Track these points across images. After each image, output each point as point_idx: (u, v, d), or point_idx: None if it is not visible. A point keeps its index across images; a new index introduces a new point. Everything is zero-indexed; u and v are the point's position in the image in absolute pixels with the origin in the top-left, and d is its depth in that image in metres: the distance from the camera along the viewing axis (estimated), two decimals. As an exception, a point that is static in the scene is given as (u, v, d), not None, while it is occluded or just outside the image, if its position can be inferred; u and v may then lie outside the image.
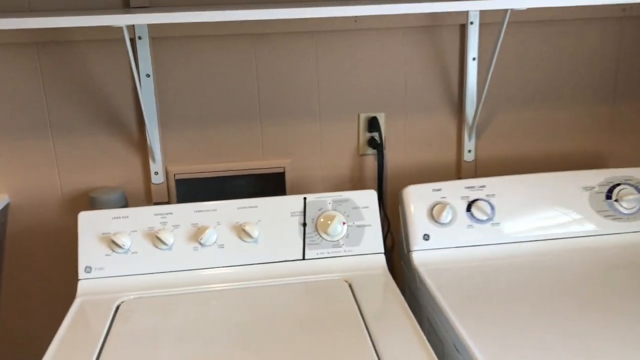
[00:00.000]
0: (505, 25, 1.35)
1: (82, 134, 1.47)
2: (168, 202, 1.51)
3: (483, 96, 1.50)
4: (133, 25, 1.38)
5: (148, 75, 1.43)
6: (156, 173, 1.50)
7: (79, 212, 1.31)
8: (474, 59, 1.52)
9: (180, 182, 1.52)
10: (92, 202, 1.44)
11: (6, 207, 1.48)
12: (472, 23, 1.49)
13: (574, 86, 1.61)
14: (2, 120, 1.43)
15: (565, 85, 1.60)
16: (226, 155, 1.53)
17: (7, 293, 1.54)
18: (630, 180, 1.47)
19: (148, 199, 1.53)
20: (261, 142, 1.54)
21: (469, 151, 1.60)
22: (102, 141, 1.48)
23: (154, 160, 1.49)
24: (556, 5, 1.25)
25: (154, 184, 1.51)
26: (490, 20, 1.50)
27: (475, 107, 1.56)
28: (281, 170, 1.55)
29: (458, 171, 1.62)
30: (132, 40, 1.41)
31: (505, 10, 1.33)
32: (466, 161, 1.61)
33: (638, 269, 1.31)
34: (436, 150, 1.61)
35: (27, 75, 1.41)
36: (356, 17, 1.45)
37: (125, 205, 1.49)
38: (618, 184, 1.46)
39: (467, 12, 1.45)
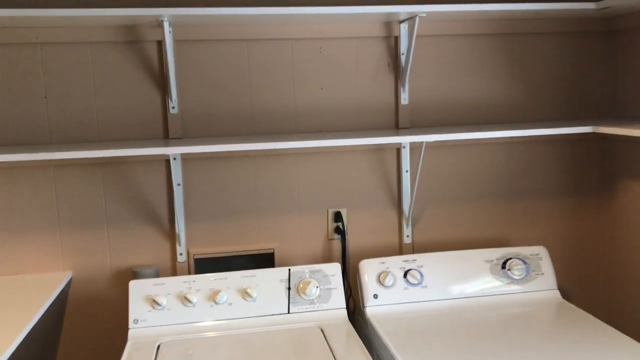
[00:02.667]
0: (423, 150, 2.01)
1: (128, 226, 2.04)
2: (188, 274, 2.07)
3: (414, 196, 2.13)
4: (170, 150, 2.00)
5: (179, 184, 2.04)
6: (180, 254, 2.07)
7: (125, 283, 1.86)
8: (406, 171, 2.17)
9: (198, 260, 2.09)
10: (135, 274, 2.00)
11: (70, 280, 2.02)
12: (404, 147, 2.16)
13: (481, 189, 2.25)
14: (71, 216, 2.00)
15: (474, 188, 2.24)
16: (232, 240, 2.11)
17: (67, 343, 2.05)
18: (519, 255, 2.09)
19: (173, 273, 2.09)
20: (257, 231, 2.13)
21: (407, 236, 2.21)
22: (143, 231, 2.06)
23: (179, 244, 2.06)
24: (456, 138, 1.91)
25: (179, 262, 2.08)
26: (416, 145, 2.16)
27: (409, 204, 2.18)
28: (272, 250, 2.14)
29: (400, 250, 2.22)
30: (167, 161, 2.03)
31: (420, 144, 1.99)
32: (405, 243, 2.21)
33: (528, 318, 1.88)
34: (383, 235, 2.21)
35: (92, 185, 2.01)
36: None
37: (158, 277, 2.04)
38: (510, 258, 2.08)
39: (400, 143, 2.11)
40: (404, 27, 2.09)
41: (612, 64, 2.27)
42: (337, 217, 2.17)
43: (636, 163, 2.16)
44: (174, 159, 2.03)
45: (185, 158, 2.05)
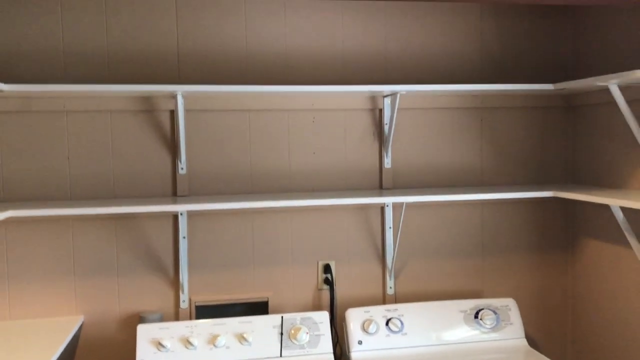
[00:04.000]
0: (404, 209, 2.26)
1: (137, 274, 2.26)
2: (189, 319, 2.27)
3: (396, 251, 2.37)
4: (177, 207, 2.24)
5: (184, 237, 2.26)
6: (183, 301, 2.28)
7: (133, 327, 2.06)
8: (389, 227, 2.41)
9: (198, 307, 2.30)
10: (142, 319, 2.20)
11: (82, 324, 2.22)
12: (387, 206, 2.40)
13: (456, 245, 2.49)
14: (86, 264, 2.22)
15: (451, 244, 2.48)
16: (230, 289, 2.33)
17: (73, 385, 2.23)
18: (490, 306, 2.31)
19: (176, 318, 2.29)
20: (253, 280, 2.34)
21: (390, 287, 2.43)
22: (150, 279, 2.27)
23: (183, 292, 2.27)
24: (433, 200, 2.15)
25: (181, 308, 2.28)
26: (398, 205, 2.41)
27: (392, 258, 2.41)
28: (266, 299, 2.35)
29: (383, 299, 2.44)
30: (175, 216, 2.26)
31: (402, 203, 2.25)
32: (388, 294, 2.43)
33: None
34: (368, 286, 2.43)
35: (106, 237, 2.23)
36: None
37: (163, 322, 2.24)
38: (482, 309, 2.29)
39: (384, 202, 2.35)
40: (387, 101, 2.38)
41: (572, 135, 2.55)
42: (327, 269, 2.39)
43: (595, 224, 2.41)
44: (181, 214, 2.26)
45: (191, 214, 2.28)
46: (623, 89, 2.12)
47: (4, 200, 2.16)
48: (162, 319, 2.25)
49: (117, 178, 2.24)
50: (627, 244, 2.19)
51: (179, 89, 2.02)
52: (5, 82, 2.05)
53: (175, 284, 2.29)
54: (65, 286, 2.20)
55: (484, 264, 2.51)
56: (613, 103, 2.11)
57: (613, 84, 1.98)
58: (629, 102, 2.15)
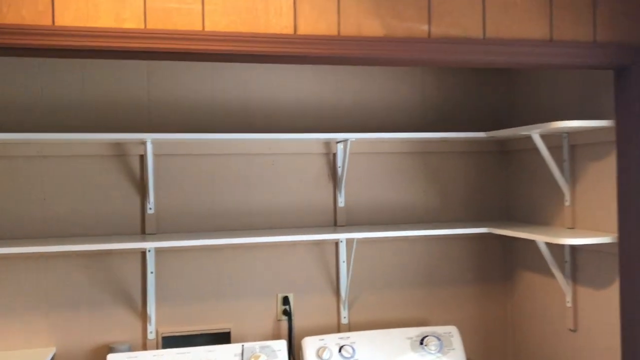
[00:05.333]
0: (355, 245, 2.49)
1: (106, 308, 2.41)
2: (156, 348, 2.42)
3: (349, 283, 2.58)
4: (146, 244, 2.41)
5: (152, 272, 2.44)
6: (151, 332, 2.44)
7: (102, 357, 2.21)
8: (343, 261, 2.63)
9: (165, 338, 2.46)
10: (111, 350, 2.34)
11: (54, 355, 2.35)
12: (341, 242, 2.62)
13: (405, 277, 2.71)
14: (58, 299, 2.36)
15: (400, 276, 2.71)
16: (195, 320, 2.49)
17: (44, 415, 2.34)
18: (434, 333, 2.53)
19: (144, 348, 2.44)
20: (217, 312, 2.52)
21: (344, 317, 2.63)
22: (119, 312, 2.42)
23: (150, 323, 2.43)
24: (381, 236, 2.38)
25: (149, 339, 2.44)
26: (351, 240, 2.63)
27: (346, 290, 2.62)
28: (228, 330, 2.52)
29: (338, 328, 2.63)
30: (143, 253, 2.44)
31: (354, 239, 2.47)
32: (343, 323, 2.63)
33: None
34: (324, 316, 2.63)
35: (78, 272, 2.39)
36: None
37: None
38: (427, 335, 2.51)
39: (337, 240, 2.57)
40: (340, 146, 2.62)
41: (505, 177, 2.83)
42: (285, 301, 2.58)
43: (527, 257, 2.67)
44: (149, 251, 2.43)
45: (158, 250, 2.46)
46: (544, 137, 2.41)
47: (-18, 239, 2.31)
48: (131, 349, 2.40)
49: (89, 217, 2.41)
50: (552, 274, 2.45)
51: (148, 137, 2.22)
52: (-13, 130, 2.23)
53: (143, 316, 2.45)
54: (37, 319, 2.34)
55: (429, 295, 2.74)
56: (538, 149, 2.39)
57: (535, 133, 2.26)
58: (550, 148, 2.44)
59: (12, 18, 1.49)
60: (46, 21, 1.50)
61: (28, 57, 1.71)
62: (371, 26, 1.70)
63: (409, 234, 2.41)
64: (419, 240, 2.73)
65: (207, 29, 1.59)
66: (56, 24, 1.50)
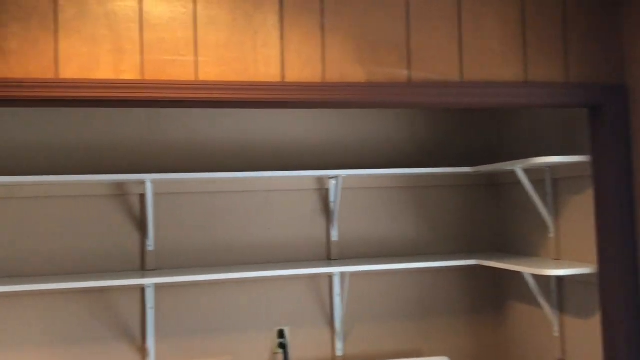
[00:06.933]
0: (348, 278, 2.56)
1: (107, 342, 2.48)
2: (156, 385, 2.49)
3: (344, 315, 2.65)
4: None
5: (151, 308, 2.51)
6: (150, 366, 2.51)
7: (108, 389, 2.27)
8: (337, 294, 2.70)
9: (164, 372, 2.52)
10: (111, 384, 2.41)
11: (55, 390, 2.42)
12: (335, 275, 2.70)
13: (398, 308, 2.78)
14: (60, 335, 2.44)
15: (393, 307, 2.77)
16: (193, 353, 2.56)
17: None
18: (427, 364, 2.58)
19: (143, 383, 2.51)
20: (214, 345, 2.58)
21: (339, 349, 2.69)
22: (119, 346, 2.49)
23: (149, 358, 2.50)
24: (373, 269, 2.46)
25: (148, 373, 2.50)
26: (345, 273, 2.71)
27: (340, 322, 2.69)
28: (226, 363, 2.59)
29: (333, 361, 2.70)
30: (143, 289, 2.52)
31: (345, 274, 2.55)
32: (338, 355, 2.69)
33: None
34: (319, 349, 2.69)
35: (79, 309, 2.47)
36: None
37: (130, 387, 2.45)
38: (420, 366, 2.57)
39: (331, 274, 2.65)
40: (332, 182, 2.72)
41: (494, 209, 2.92)
42: (281, 334, 2.65)
43: (515, 288, 2.74)
44: (148, 287, 2.52)
45: (158, 286, 2.54)
46: (528, 171, 2.51)
47: (-12, 278, 2.40)
48: (130, 383, 2.47)
49: (91, 255, 2.50)
50: (540, 305, 2.52)
51: (148, 177, 2.33)
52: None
53: (143, 351, 2.52)
54: (40, 355, 2.42)
55: (422, 326, 2.80)
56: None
57: (518, 168, 2.35)
58: (533, 182, 2.54)
59: (19, 72, 1.61)
60: (50, 74, 1.62)
61: (34, 107, 1.83)
62: (354, 72, 1.82)
63: (400, 267, 2.49)
64: (410, 272, 2.81)
65: (200, 78, 1.71)
66: (60, 76, 1.62)
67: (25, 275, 2.44)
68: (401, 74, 1.85)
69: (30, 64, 1.61)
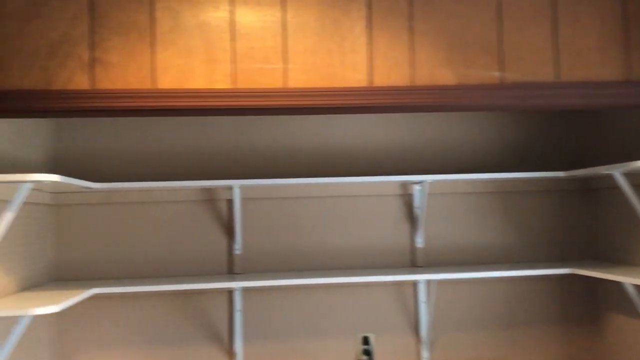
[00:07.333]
0: (436, 286, 2.51)
1: (195, 345, 2.55)
2: (243, 387, 2.53)
3: (430, 324, 2.59)
4: (233, 284, 2.55)
5: (239, 311, 2.56)
6: (237, 369, 2.56)
7: (199, 389, 2.34)
8: (423, 302, 2.65)
9: (251, 375, 2.56)
10: (201, 385, 2.47)
11: (149, 388, 2.51)
12: (420, 282, 2.65)
13: (486, 318, 2.69)
14: (150, 336, 2.53)
15: (481, 316, 2.69)
16: (279, 358, 2.59)
17: None
18: (518, 376, 2.48)
19: (231, 385, 2.56)
20: (300, 350, 2.60)
21: (425, 358, 2.64)
22: (207, 349, 2.56)
23: (237, 360, 2.55)
24: (460, 277, 2.40)
25: (236, 375, 2.56)
26: (430, 281, 2.65)
27: (426, 331, 2.63)
28: (311, 368, 2.59)
29: (419, 370, 2.65)
30: (231, 292, 2.57)
31: (431, 281, 2.49)
32: (423, 364, 2.64)
33: None
34: (403, 357, 2.65)
35: (169, 311, 2.55)
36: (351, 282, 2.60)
37: (219, 388, 2.51)
38: (511, 378, 2.47)
39: (417, 281, 2.60)
40: (417, 188, 2.67)
41: (588, 215, 2.76)
42: (366, 341, 2.63)
43: (614, 299, 2.58)
44: (236, 290, 2.57)
45: (245, 289, 2.59)
46: (628, 175, 2.36)
47: (85, 279, 2.53)
48: (219, 385, 2.53)
49: (180, 258, 2.58)
50: (644, 318, 2.36)
51: (236, 183, 2.38)
52: (93, 180, 2.47)
53: (230, 354, 2.57)
54: (131, 355, 2.52)
55: (511, 336, 2.70)
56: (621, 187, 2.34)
57: (617, 172, 2.22)
58: (634, 186, 2.39)
59: (119, 83, 1.68)
60: (148, 85, 1.69)
61: (132, 117, 1.91)
62: (444, 75, 1.78)
63: (489, 275, 2.41)
64: (499, 280, 2.71)
65: (289, 85, 1.73)
66: (157, 87, 1.69)
67: (117, 277, 2.55)
68: (493, 75, 1.79)
69: (130, 75, 1.69)
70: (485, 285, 2.71)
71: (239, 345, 2.55)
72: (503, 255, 2.74)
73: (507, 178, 2.55)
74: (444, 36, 1.78)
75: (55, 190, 2.51)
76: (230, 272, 2.61)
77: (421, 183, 2.61)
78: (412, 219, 2.71)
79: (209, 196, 2.60)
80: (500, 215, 2.74)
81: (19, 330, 1.86)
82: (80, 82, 1.66)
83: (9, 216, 1.79)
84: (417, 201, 2.68)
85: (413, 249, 2.70)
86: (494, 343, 2.69)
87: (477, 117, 2.77)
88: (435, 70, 1.77)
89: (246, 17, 1.72)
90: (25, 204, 2.22)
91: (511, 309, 2.71)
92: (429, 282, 2.66)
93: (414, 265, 2.69)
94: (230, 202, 2.62)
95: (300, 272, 2.62)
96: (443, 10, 1.78)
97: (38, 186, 2.28)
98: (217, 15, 1.71)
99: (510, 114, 2.78)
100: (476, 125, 2.76)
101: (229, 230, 2.62)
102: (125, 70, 1.69)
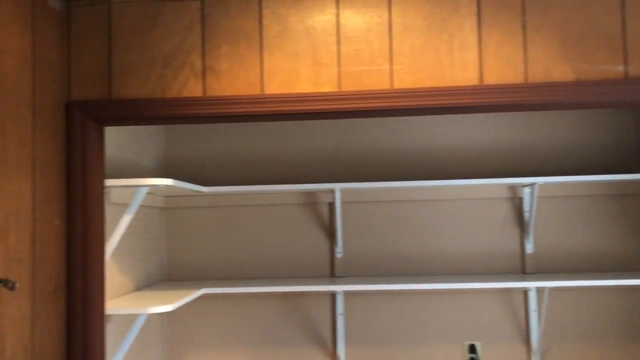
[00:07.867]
0: (547, 294, 2.37)
1: (298, 346, 2.57)
2: (346, 391, 2.52)
3: (541, 334, 2.46)
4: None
5: (341, 314, 2.56)
6: (340, 372, 2.55)
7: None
8: (534, 311, 2.52)
9: (353, 379, 2.55)
10: (305, 387, 2.49)
11: (254, 388, 2.56)
12: (531, 290, 2.52)
13: (604, 329, 2.51)
14: (255, 336, 2.58)
15: (598, 328, 2.51)
16: (382, 363, 2.56)
17: None
18: (642, 394, 2.29)
19: (334, 389, 2.55)
20: (403, 357, 2.55)
21: (536, 369, 2.51)
22: (309, 352, 2.57)
23: (339, 364, 2.55)
24: (575, 285, 2.25)
25: (338, 379, 2.55)
26: (541, 288, 2.52)
27: (537, 341, 2.50)
28: (415, 375, 2.54)
29: (529, 382, 2.51)
30: (333, 295, 2.57)
31: (543, 289, 2.36)
32: (534, 376, 2.51)
33: None
34: (514, 368, 2.53)
35: (272, 312, 2.59)
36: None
37: (322, 391, 2.51)
38: (634, 396, 2.29)
39: (527, 288, 2.47)
40: (526, 190, 2.55)
41: None
42: (472, 349, 2.54)
43: None
44: (338, 293, 2.57)
45: (346, 293, 2.58)
46: None
47: (193, 279, 2.62)
48: (322, 388, 2.53)
49: (284, 260, 2.62)
50: None
51: (337, 186, 2.38)
52: (204, 185, 2.56)
53: (334, 357, 2.57)
54: (236, 355, 2.58)
55: (632, 351, 2.50)
56: None
57: None
58: None
59: (229, 90, 1.73)
60: (256, 91, 1.72)
61: (241, 122, 1.96)
62: (560, 71, 1.67)
63: (608, 284, 2.25)
64: (617, 289, 2.53)
65: (395, 86, 1.70)
66: (265, 92, 1.71)
67: (223, 278, 2.62)
68: (616, 70, 1.66)
69: (239, 81, 1.73)
70: (601, 294, 2.53)
71: (341, 349, 2.54)
72: (620, 262, 2.54)
73: (624, 179, 2.37)
74: (559, 29, 1.68)
75: (167, 194, 2.63)
76: (332, 275, 2.61)
77: (531, 186, 2.48)
78: (521, 223, 2.58)
79: (312, 199, 2.62)
80: (618, 219, 2.56)
81: (136, 327, 1.96)
82: (194, 89, 1.72)
83: (127, 218, 1.89)
84: (526, 204, 2.56)
85: (522, 254, 2.57)
86: (613, 357, 2.50)
87: (593, 114, 2.60)
88: (550, 65, 1.68)
89: (352, 19, 1.71)
90: (140, 207, 2.34)
91: (633, 321, 2.52)
92: (539, 289, 2.52)
93: (524, 271, 2.56)
94: (331, 205, 2.62)
95: (402, 277, 2.57)
96: (558, 2, 1.68)
97: (152, 190, 2.40)
98: (324, 19, 1.71)
99: (629, 110, 2.59)
100: (591, 122, 2.59)
101: (331, 234, 2.62)
102: (235, 77, 1.73)
